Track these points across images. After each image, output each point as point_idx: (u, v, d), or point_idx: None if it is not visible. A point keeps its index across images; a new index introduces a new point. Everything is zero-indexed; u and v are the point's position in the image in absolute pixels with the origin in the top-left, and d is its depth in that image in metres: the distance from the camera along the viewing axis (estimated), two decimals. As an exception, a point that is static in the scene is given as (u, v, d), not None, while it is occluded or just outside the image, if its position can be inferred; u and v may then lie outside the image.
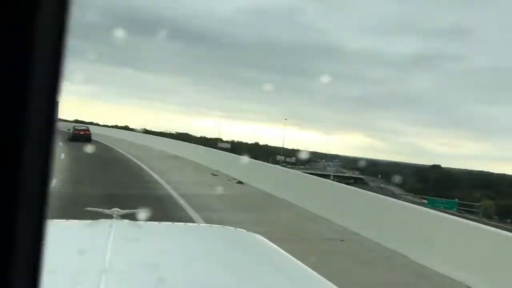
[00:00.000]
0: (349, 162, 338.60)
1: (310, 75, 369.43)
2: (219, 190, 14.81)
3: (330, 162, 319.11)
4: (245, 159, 23.19)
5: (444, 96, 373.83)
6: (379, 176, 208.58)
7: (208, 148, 36.66)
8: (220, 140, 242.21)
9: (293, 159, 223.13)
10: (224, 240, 2.18)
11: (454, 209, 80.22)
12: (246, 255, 2.01)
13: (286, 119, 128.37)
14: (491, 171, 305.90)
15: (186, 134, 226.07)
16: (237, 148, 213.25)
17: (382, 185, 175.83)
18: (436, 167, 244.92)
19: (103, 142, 38.23)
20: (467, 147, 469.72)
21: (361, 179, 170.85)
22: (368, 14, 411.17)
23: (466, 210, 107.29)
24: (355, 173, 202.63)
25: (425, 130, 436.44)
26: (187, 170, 21.21)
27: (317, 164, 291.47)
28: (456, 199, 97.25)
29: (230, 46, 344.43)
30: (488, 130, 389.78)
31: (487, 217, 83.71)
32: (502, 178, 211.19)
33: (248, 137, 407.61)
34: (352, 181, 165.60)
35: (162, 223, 2.23)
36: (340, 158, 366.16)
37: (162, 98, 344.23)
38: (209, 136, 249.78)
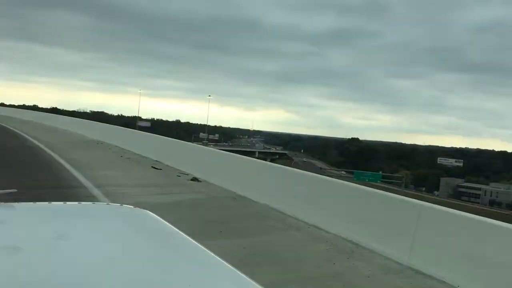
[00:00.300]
0: (272, 138, 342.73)
1: (229, 50, 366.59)
2: (178, 196, 10.68)
3: (252, 138, 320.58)
4: (182, 143, 19.26)
5: (360, 71, 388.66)
6: (302, 150, 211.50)
7: (136, 131, 31.96)
8: (139, 118, 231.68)
9: (216, 136, 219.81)
10: (105, 218, 2.02)
11: (378, 181, 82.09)
12: (127, 230, 1.88)
13: (209, 96, 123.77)
14: (403, 142, 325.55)
15: (102, 112, 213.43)
16: (158, 126, 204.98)
17: (305, 159, 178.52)
18: (355, 140, 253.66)
19: (4, 125, 31.74)
20: (380, 120, 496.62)
21: (285, 154, 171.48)
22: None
23: (388, 181, 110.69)
24: (278, 148, 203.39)
25: (342, 104, 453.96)
26: (119, 163, 16.45)
27: (240, 140, 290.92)
28: (380, 172, 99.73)
29: (146, 20, 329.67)
30: (399, 103, 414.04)
31: (405, 187, 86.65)
32: (414, 148, 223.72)
33: (167, 115, 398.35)
34: (276, 157, 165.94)
35: (38, 203, 2.03)
36: (262, 134, 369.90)
37: (74, 75, 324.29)
38: (126, 114, 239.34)
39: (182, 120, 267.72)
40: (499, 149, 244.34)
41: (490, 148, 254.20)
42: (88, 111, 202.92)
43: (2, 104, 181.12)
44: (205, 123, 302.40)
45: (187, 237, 1.76)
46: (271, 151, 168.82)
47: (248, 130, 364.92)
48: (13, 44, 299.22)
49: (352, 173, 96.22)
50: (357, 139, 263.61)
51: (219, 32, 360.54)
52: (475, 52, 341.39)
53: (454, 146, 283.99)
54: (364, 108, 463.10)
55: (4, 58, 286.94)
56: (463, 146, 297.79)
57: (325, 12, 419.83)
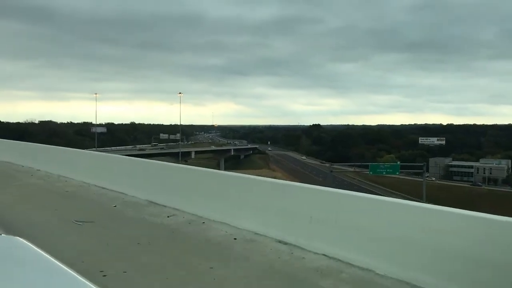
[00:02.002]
0: (228, 131, 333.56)
1: (173, 47, 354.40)
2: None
3: (209, 134, 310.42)
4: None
5: (304, 58, 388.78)
6: (268, 142, 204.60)
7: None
8: (92, 124, 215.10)
9: (177, 136, 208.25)
10: None
11: (397, 173, 75.71)
12: None
13: (180, 93, 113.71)
14: (351, 123, 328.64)
15: (50, 121, 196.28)
16: (114, 131, 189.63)
17: (280, 152, 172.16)
18: (317, 126, 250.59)
19: None
20: (328, 104, 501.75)
21: (255, 148, 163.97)
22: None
23: (410, 172, 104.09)
24: (243, 142, 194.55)
25: (290, 92, 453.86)
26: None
27: (197, 137, 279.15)
28: (398, 162, 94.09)
29: (85, 22, 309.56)
30: (344, 86, 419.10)
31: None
32: (380, 129, 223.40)
33: (120, 118, 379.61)
34: (250, 152, 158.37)
35: None
36: (216, 129, 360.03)
37: (13, 85, 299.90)
38: (76, 121, 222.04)
39: (137, 122, 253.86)
40: (446, 123, 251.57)
41: (437, 123, 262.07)
42: (36, 121, 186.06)
43: None
44: (160, 123, 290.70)
45: (58, 263, 1.69)
46: (245, 146, 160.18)
47: (202, 126, 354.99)
48: None
49: (360, 167, 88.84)
50: (319, 125, 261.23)
51: (161, 30, 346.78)
52: (411, 31, 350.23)
53: (417, 123, 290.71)
54: (311, 93, 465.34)
55: None
56: (410, 123, 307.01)
57: (267, 1, 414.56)
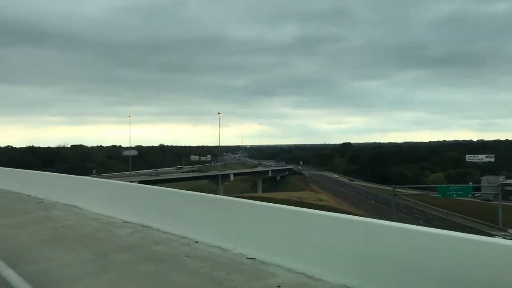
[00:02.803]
0: (254, 151, 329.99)
1: (196, 69, 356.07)
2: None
3: (235, 155, 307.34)
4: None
5: (327, 76, 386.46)
6: (300, 162, 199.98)
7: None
8: (120, 147, 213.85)
9: (208, 157, 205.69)
10: None
11: (469, 195, 69.52)
12: None
13: (219, 113, 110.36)
14: (376, 141, 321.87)
15: (81, 146, 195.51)
16: (144, 153, 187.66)
17: (316, 172, 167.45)
18: (347, 145, 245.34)
19: None
20: (352, 122, 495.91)
21: (291, 169, 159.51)
22: (248, 3, 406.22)
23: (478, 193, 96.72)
24: (279, 164, 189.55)
25: (313, 111, 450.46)
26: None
27: (224, 157, 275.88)
28: (470, 183, 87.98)
29: (109, 48, 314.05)
30: (367, 104, 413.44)
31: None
32: (412, 146, 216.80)
33: (144, 140, 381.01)
34: (287, 173, 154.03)
35: None
36: (242, 149, 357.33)
37: (44, 111, 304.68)
38: (105, 144, 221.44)
39: (164, 144, 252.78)
40: (476, 139, 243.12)
41: (466, 139, 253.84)
42: (68, 145, 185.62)
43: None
44: (190, 145, 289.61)
45: None
46: (281, 167, 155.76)
47: (228, 147, 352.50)
48: None
49: (424, 189, 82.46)
50: (349, 143, 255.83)
51: (185, 53, 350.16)
52: (435, 46, 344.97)
53: (445, 139, 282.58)
54: (335, 112, 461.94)
55: None
56: (435, 140, 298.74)
57: (288, 21, 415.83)
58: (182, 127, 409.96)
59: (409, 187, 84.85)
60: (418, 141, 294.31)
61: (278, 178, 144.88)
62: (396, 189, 72.07)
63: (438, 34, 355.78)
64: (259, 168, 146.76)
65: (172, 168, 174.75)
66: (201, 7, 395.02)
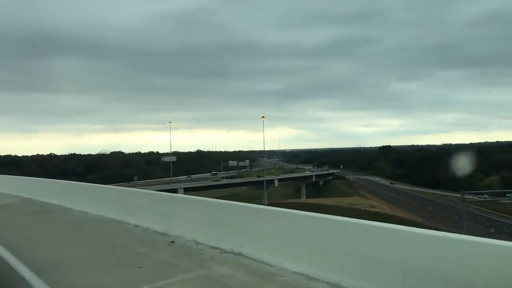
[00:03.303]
0: (289, 156, 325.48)
1: (230, 75, 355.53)
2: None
3: (271, 159, 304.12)
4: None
5: (362, 78, 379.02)
6: (341, 166, 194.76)
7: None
8: (157, 154, 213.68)
9: (247, 163, 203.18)
10: None
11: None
12: None
13: (263, 117, 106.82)
14: (414, 143, 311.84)
15: (120, 152, 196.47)
16: (182, 159, 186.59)
17: (362, 176, 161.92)
18: (386, 148, 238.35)
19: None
20: (388, 124, 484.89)
21: (333, 173, 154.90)
22: (281, 8, 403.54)
23: None
24: (322, 168, 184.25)
25: (348, 114, 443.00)
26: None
27: (260, 162, 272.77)
28: None
29: (145, 55, 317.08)
30: (405, 105, 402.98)
31: None
32: (460, 148, 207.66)
33: (180, 146, 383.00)
34: (330, 178, 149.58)
35: None
36: (275, 153, 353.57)
37: (83, 119, 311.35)
38: (143, 151, 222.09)
39: (198, 150, 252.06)
40: None
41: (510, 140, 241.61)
42: (108, 152, 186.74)
43: (15, 156, 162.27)
44: (226, 150, 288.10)
45: None
46: (325, 172, 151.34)
47: (262, 152, 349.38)
48: (19, 95, 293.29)
49: (497, 195, 76.07)
50: (389, 146, 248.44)
51: (219, 59, 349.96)
52: (476, 45, 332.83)
53: (487, 141, 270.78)
54: (371, 115, 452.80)
55: (12, 111, 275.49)
56: (476, 141, 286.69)
57: (323, 24, 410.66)
58: (217, 133, 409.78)
59: (477, 193, 78.89)
60: (458, 142, 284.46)
61: (321, 183, 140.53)
62: (468, 196, 66.58)
63: (477, 33, 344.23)
64: (306, 173, 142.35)
65: (207, 174, 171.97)
66: (235, 13, 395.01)
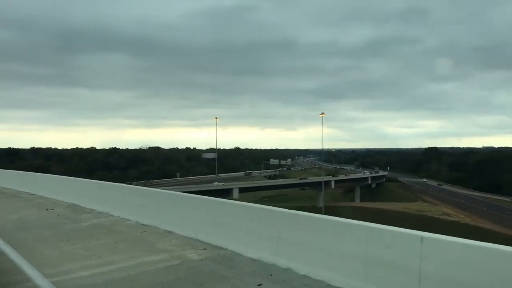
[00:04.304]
0: (326, 155, 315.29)
1: (266, 73, 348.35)
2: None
3: (308, 158, 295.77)
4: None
5: (401, 78, 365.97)
6: (388, 168, 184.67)
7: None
8: (195, 149, 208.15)
9: (289, 161, 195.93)
10: None
11: None
12: None
13: (323, 113, 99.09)
14: (451, 146, 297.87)
15: (157, 148, 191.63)
16: (221, 156, 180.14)
17: (423, 180, 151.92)
18: (433, 149, 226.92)
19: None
20: (425, 125, 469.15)
21: (385, 176, 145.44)
22: (320, 6, 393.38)
23: None
24: (376, 170, 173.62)
25: (384, 114, 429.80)
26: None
27: (297, 161, 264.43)
28: None
29: (182, 52, 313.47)
30: (443, 107, 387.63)
31: None
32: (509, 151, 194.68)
33: (219, 143, 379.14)
34: (384, 180, 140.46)
35: None
36: (310, 152, 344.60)
37: (120, 114, 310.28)
38: (180, 146, 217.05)
39: (241, 147, 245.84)
40: None
41: None
42: (146, 147, 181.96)
43: (55, 149, 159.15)
44: (260, 148, 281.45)
45: None
46: (382, 173, 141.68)
47: (298, 150, 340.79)
48: (57, 90, 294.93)
49: None
50: (436, 148, 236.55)
51: (255, 56, 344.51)
52: None
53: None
54: (407, 115, 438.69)
55: (52, 104, 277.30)
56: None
57: (362, 23, 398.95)
58: (251, 130, 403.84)
59: None
60: (500, 146, 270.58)
61: (373, 185, 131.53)
62: None
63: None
64: (360, 175, 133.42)
65: (240, 173, 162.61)
66: (274, 10, 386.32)
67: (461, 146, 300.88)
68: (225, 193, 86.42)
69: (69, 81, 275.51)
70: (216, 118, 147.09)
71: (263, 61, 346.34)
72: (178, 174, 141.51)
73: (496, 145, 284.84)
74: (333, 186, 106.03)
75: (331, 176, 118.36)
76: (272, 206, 9.07)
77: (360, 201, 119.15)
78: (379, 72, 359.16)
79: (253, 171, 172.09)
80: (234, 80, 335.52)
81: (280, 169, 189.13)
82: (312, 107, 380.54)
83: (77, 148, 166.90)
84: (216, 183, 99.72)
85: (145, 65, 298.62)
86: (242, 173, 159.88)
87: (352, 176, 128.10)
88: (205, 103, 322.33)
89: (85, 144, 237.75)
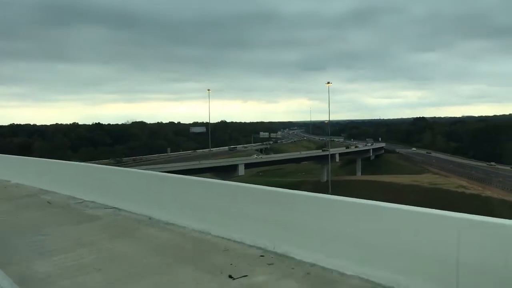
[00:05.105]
0: (309, 127, 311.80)
1: (247, 45, 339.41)
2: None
3: (293, 131, 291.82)
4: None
5: (383, 49, 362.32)
6: (380, 139, 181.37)
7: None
8: (180, 124, 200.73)
9: (279, 134, 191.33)
10: None
11: None
12: None
13: (329, 82, 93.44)
14: (428, 115, 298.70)
15: (143, 122, 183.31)
16: (210, 130, 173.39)
17: (413, 149, 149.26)
18: (421, 119, 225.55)
19: None
20: (406, 96, 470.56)
21: (383, 147, 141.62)
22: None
23: None
24: (372, 142, 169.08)
25: (366, 85, 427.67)
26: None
27: (282, 133, 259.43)
28: None
29: (164, 25, 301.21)
30: (424, 77, 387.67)
31: None
32: (500, 119, 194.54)
33: (200, 117, 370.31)
34: (382, 152, 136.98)
35: None
36: (294, 124, 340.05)
37: (103, 89, 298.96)
38: (164, 121, 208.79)
39: (227, 121, 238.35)
40: None
41: None
42: (130, 122, 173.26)
43: (35, 125, 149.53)
44: (248, 121, 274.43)
45: None
46: (377, 146, 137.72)
47: (282, 123, 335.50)
48: (35, 64, 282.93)
49: None
50: (423, 118, 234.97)
51: (236, 28, 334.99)
52: (501, 15, 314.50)
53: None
54: (388, 86, 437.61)
55: (27, 80, 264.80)
56: (492, 114, 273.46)
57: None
58: (233, 103, 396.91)
59: None
60: (480, 115, 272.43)
61: (372, 157, 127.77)
62: None
63: (506, 2, 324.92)
64: (361, 147, 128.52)
65: (224, 148, 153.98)
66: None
67: (441, 116, 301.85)
68: (231, 170, 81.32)
69: (48, 56, 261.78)
70: (209, 90, 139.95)
71: (245, 33, 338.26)
72: (169, 150, 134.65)
73: (475, 114, 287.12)
74: (337, 159, 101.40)
75: (345, 148, 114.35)
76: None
77: (362, 174, 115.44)
78: (361, 43, 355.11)
79: (245, 145, 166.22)
80: (216, 53, 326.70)
81: (272, 142, 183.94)
82: (294, 79, 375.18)
83: (57, 124, 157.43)
84: (199, 162, 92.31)
85: (126, 38, 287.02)
86: (226, 148, 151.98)
87: (356, 148, 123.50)
88: (188, 76, 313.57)
89: (65, 120, 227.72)
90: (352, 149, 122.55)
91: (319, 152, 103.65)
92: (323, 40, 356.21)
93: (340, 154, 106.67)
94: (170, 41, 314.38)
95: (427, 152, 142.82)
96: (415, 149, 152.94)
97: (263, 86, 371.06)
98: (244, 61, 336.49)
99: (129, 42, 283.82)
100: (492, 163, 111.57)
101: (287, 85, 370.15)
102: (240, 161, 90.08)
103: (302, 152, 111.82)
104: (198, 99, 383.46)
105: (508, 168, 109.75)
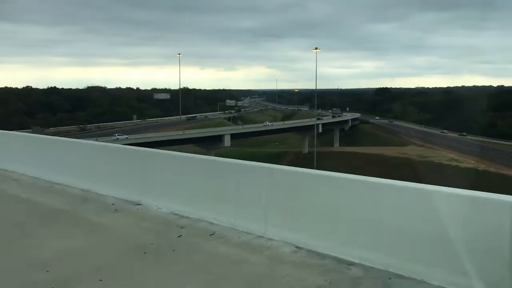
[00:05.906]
0: (272, 96, 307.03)
1: (205, 10, 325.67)
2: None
3: (254, 99, 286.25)
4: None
5: (340, 19, 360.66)
6: (347, 109, 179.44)
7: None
8: (139, 90, 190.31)
9: (245, 102, 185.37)
10: None
11: None
12: None
13: (316, 48, 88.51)
14: (387, 86, 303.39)
15: (101, 87, 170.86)
16: (173, 96, 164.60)
17: (377, 118, 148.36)
18: (385, 90, 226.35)
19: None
20: (363, 66, 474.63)
21: (357, 118, 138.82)
22: None
23: None
24: (336, 111, 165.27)
25: (324, 55, 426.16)
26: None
27: (243, 102, 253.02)
28: None
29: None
30: (380, 47, 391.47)
31: None
32: (464, 90, 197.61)
33: (157, 83, 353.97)
34: (357, 122, 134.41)
35: None
36: (254, 93, 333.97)
37: (48, 51, 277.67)
38: (123, 86, 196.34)
39: (175, 87, 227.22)
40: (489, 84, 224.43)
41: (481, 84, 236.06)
42: (85, 87, 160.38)
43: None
44: (217, 88, 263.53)
45: None
46: (353, 117, 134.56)
47: (241, 90, 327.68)
48: None
49: None
50: (386, 88, 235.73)
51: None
52: None
53: (465, 85, 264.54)
54: (346, 56, 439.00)
55: None
56: (445, 85, 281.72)
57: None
58: (190, 70, 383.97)
59: None
60: (434, 86, 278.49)
61: (346, 128, 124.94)
62: None
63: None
64: (339, 119, 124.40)
65: (174, 117, 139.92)
66: None
67: (397, 87, 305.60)
68: (216, 140, 75.16)
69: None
70: (180, 54, 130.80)
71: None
72: (135, 117, 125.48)
73: (429, 85, 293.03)
74: (320, 130, 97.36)
75: (331, 117, 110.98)
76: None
77: (339, 145, 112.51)
78: (320, 12, 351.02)
79: (205, 114, 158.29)
80: (171, 17, 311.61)
81: (234, 111, 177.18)
82: (252, 46, 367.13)
83: (6, 87, 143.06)
84: (116, 135, 78.65)
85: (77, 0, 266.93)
86: (183, 118, 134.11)
87: (334, 119, 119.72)
88: (141, 40, 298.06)
89: (15, 84, 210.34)
90: (337, 118, 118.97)
91: (307, 122, 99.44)
92: (282, 7, 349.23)
93: (322, 125, 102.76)
94: (121, 3, 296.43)
95: (389, 121, 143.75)
96: (378, 117, 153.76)
97: (221, 53, 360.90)
98: (200, 27, 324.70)
99: (77, 3, 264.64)
100: (464, 133, 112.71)
101: (244, 52, 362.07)
102: (225, 131, 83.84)
103: (286, 122, 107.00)
104: (153, 65, 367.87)
105: (481, 138, 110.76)
